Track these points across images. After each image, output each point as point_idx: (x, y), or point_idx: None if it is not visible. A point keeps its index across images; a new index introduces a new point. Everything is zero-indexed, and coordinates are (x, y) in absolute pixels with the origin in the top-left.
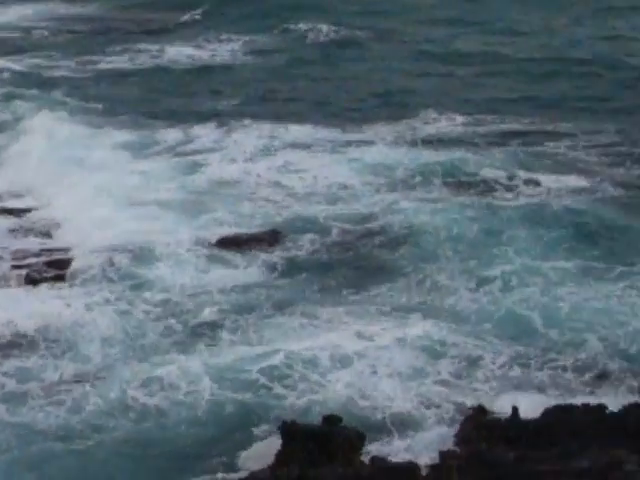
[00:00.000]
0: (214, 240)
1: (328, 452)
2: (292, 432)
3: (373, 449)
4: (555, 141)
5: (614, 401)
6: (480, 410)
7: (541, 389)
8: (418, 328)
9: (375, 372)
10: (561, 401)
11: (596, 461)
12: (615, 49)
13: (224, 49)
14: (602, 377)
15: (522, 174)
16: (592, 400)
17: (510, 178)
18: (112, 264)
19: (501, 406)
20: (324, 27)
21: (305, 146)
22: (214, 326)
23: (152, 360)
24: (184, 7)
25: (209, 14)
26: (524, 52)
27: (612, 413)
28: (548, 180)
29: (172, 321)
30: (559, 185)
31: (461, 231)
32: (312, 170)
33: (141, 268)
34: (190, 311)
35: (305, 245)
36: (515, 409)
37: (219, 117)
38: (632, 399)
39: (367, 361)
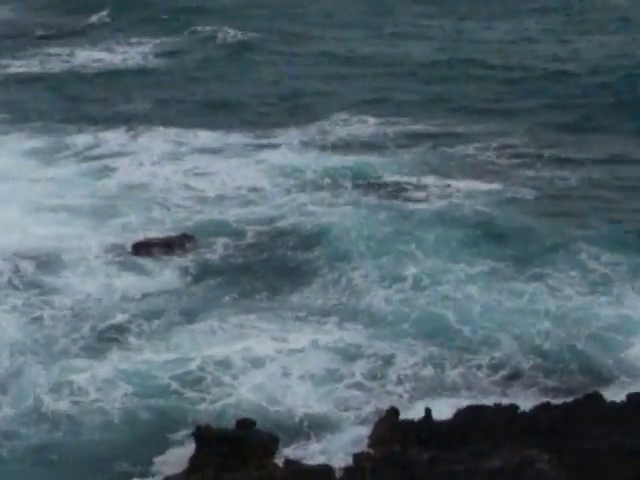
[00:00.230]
0: (125, 245)
1: (242, 456)
2: (206, 436)
3: (287, 452)
4: (465, 143)
5: (526, 401)
6: (393, 412)
7: (455, 389)
8: (333, 330)
9: (289, 375)
10: (475, 401)
11: (508, 460)
12: (523, 51)
13: (134, 52)
14: (515, 377)
15: (432, 176)
16: (505, 400)
17: (420, 180)
18: (18, 270)
19: (414, 407)
20: (231, 31)
21: (215, 150)
22: (125, 332)
23: (62, 366)
24: (91, 9)
25: (117, 16)
26: (433, 55)
27: (523, 413)
28: (458, 182)
29: (82, 328)
30: (469, 187)
31: (372, 232)
32: (222, 173)
33: (48, 275)
34: (100, 317)
35: (218, 249)
36: (428, 410)
37: (129, 121)
38: (544, 398)
39: (281, 365)
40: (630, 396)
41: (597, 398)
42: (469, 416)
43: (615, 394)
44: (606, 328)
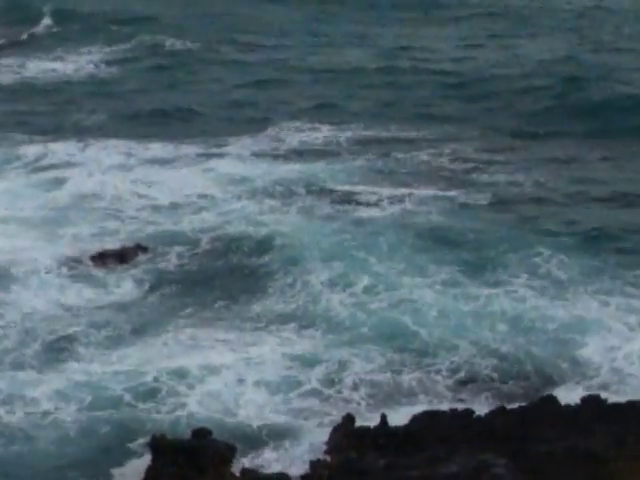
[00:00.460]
0: (78, 257)
1: (198, 466)
2: (162, 447)
3: (244, 461)
4: (418, 149)
5: (483, 405)
6: (349, 419)
7: (412, 395)
8: (290, 337)
9: (246, 384)
10: (432, 406)
11: (464, 465)
12: (470, 57)
13: (85, 61)
14: (472, 381)
15: (385, 183)
16: (462, 405)
17: (373, 187)
18: None
19: (371, 413)
20: (179, 40)
21: (166, 160)
22: (78, 344)
23: (14, 379)
24: (31, 20)
25: (62, 26)
26: (381, 61)
27: (479, 417)
28: (411, 188)
29: (34, 341)
30: (422, 193)
31: (324, 239)
32: (174, 183)
33: None
34: (52, 330)
35: (172, 258)
36: (384, 416)
37: (80, 132)
38: (500, 402)
39: (238, 373)
40: (584, 399)
41: (552, 401)
42: (425, 421)
43: (570, 395)
44: (560, 330)
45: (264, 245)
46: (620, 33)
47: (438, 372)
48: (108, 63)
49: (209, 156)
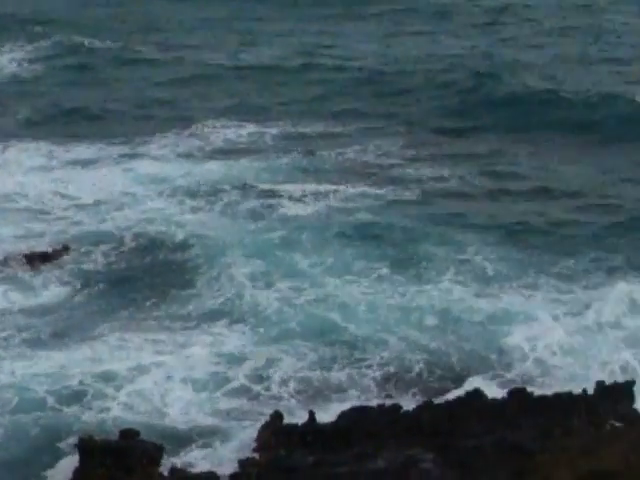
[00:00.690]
0: (1, 259)
1: (126, 466)
2: (89, 448)
3: (174, 461)
4: (344, 146)
5: (411, 400)
6: (277, 416)
7: (341, 391)
8: (218, 334)
9: (174, 383)
10: (361, 402)
11: (392, 461)
12: (392, 53)
13: (6, 60)
14: (401, 375)
15: (311, 180)
16: (391, 400)
17: (298, 184)
18: None
19: (300, 410)
20: (99, 41)
21: (88, 161)
22: (2, 348)
23: None
24: None
25: None
26: (303, 59)
27: (407, 412)
28: (337, 185)
29: None
30: (349, 190)
31: (249, 237)
32: (98, 183)
33: None
34: None
35: (98, 258)
36: (312, 413)
37: (2, 133)
38: (428, 397)
39: (166, 373)
40: (511, 392)
41: (479, 395)
42: (353, 417)
43: (497, 388)
44: (487, 323)
45: (187, 243)
46: (541, 28)
47: (367, 368)
48: (30, 61)
49: (132, 156)
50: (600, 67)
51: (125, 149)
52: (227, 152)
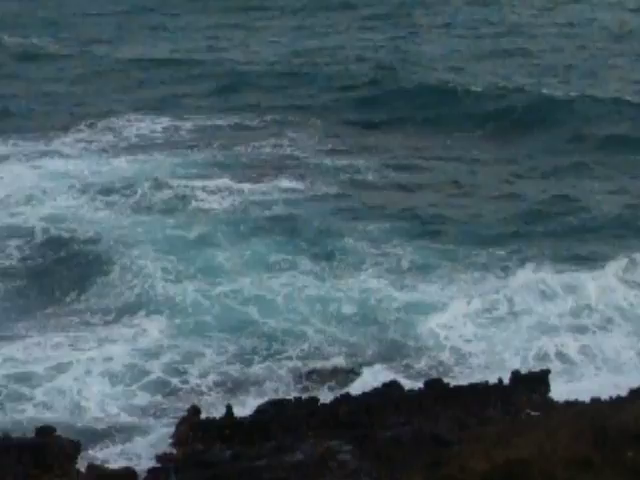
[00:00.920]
0: None
1: (43, 464)
2: (5, 446)
3: (91, 457)
4: (259, 140)
5: (330, 392)
6: (195, 411)
7: (259, 384)
8: (137, 325)
9: (91, 379)
10: (279, 395)
11: (310, 453)
12: (305, 49)
13: None
14: (318, 369)
15: (226, 174)
16: (310, 393)
17: (214, 179)
18: None
19: (218, 404)
20: (15, 38)
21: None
22: None
23: None
24: None
25: None
26: (215, 54)
27: (324, 405)
28: (252, 179)
29: None
30: (264, 183)
31: (163, 232)
32: (7, 179)
33: None
34: None
35: (14, 252)
36: (229, 407)
37: None
38: (345, 389)
39: (83, 368)
40: (427, 383)
41: (396, 387)
42: (271, 411)
43: (414, 377)
44: (404, 314)
45: (100, 239)
46: (452, 20)
47: (286, 360)
48: None
49: (44, 152)
50: (509, 60)
51: (37, 145)
52: (141, 147)
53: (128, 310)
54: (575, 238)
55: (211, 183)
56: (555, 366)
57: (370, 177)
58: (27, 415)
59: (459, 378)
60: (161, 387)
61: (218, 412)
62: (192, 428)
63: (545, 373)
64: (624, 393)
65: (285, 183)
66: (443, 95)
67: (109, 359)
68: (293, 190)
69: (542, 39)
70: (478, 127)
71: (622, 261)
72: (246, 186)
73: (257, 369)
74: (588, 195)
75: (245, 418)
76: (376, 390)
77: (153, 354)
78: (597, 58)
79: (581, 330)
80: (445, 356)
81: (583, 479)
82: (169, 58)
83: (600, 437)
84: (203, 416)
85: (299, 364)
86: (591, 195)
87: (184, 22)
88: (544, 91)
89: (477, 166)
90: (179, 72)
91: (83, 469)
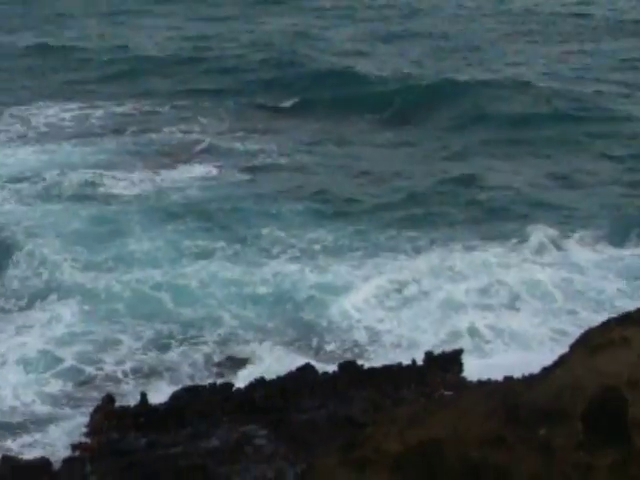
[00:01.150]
0: None
1: None
2: None
3: (7, 448)
4: (170, 125)
5: (244, 378)
6: (109, 399)
7: (175, 370)
8: (47, 313)
9: (4, 368)
10: (195, 382)
11: (226, 439)
12: (212, 33)
13: None
14: (234, 353)
15: (138, 161)
16: (224, 378)
17: (126, 166)
18: None
19: (133, 392)
20: None
21: None
22: None
23: None
24: None
25: None
26: (117, 40)
27: (239, 390)
28: (165, 165)
29: None
30: (176, 169)
31: (73, 220)
32: None
33: None
34: None
35: None
36: (144, 395)
37: None
38: (260, 374)
39: None
40: (341, 365)
41: (310, 370)
42: (185, 397)
43: (328, 360)
44: (317, 295)
45: (6, 227)
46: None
47: (202, 345)
48: None
49: None
50: (414, 43)
51: None
52: (50, 135)
53: (38, 297)
54: (483, 217)
55: (122, 170)
56: (466, 344)
57: (282, 161)
58: None
59: (373, 359)
60: (76, 375)
61: (134, 400)
62: (107, 417)
63: (458, 353)
64: (536, 370)
65: (197, 169)
66: (349, 79)
67: (24, 346)
68: (205, 176)
69: (448, 22)
70: (384, 110)
71: (530, 239)
72: (158, 173)
73: (173, 355)
74: (495, 174)
75: (160, 405)
76: (291, 374)
77: (66, 342)
78: (502, 41)
79: (490, 308)
80: (358, 337)
81: (496, 457)
82: (74, 45)
83: (512, 415)
84: (118, 404)
85: (215, 349)
86: (497, 174)
87: (87, 9)
88: (448, 74)
89: (386, 148)
90: (85, 59)
91: None
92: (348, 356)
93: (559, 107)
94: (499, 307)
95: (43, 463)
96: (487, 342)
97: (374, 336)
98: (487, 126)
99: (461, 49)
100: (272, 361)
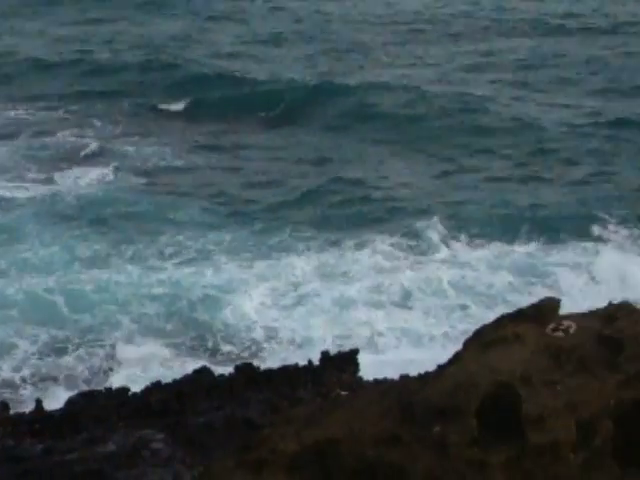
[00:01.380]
0: None
1: None
2: None
3: None
4: (63, 129)
5: (140, 382)
6: (3, 406)
7: (72, 376)
8: None
9: None
10: (91, 387)
11: (123, 443)
12: (102, 38)
13: None
14: (132, 357)
15: (31, 166)
16: (121, 383)
17: (18, 170)
18: None
19: (29, 398)
20: None
21: None
22: None
23: None
24: None
25: None
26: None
27: (135, 394)
28: (59, 169)
29: None
30: (71, 173)
31: None
32: None
33: None
34: None
35: None
36: (39, 401)
37: None
38: (156, 377)
39: None
40: (237, 367)
41: (206, 372)
42: (81, 402)
43: (225, 362)
44: (213, 296)
45: None
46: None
47: (99, 349)
48: None
49: None
50: (298, 46)
51: None
52: None
53: None
54: (375, 216)
55: (16, 176)
56: (360, 341)
57: (176, 163)
58: None
59: (269, 360)
60: None
61: (30, 406)
62: (1, 424)
63: (354, 352)
64: (431, 368)
65: (92, 173)
66: (239, 80)
67: None
68: (100, 179)
69: (338, 25)
70: (274, 110)
71: (421, 237)
72: (52, 177)
73: (69, 360)
74: (386, 174)
75: (56, 411)
76: (187, 377)
77: None
78: (391, 43)
79: (383, 306)
80: (254, 337)
81: (391, 456)
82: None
83: (407, 413)
84: (14, 411)
85: (111, 353)
86: (389, 173)
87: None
88: (338, 76)
89: (278, 149)
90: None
91: None
92: (245, 356)
93: (447, 107)
94: (391, 305)
95: None
96: (380, 337)
97: (270, 335)
98: (376, 126)
99: (350, 51)
100: (168, 363)
